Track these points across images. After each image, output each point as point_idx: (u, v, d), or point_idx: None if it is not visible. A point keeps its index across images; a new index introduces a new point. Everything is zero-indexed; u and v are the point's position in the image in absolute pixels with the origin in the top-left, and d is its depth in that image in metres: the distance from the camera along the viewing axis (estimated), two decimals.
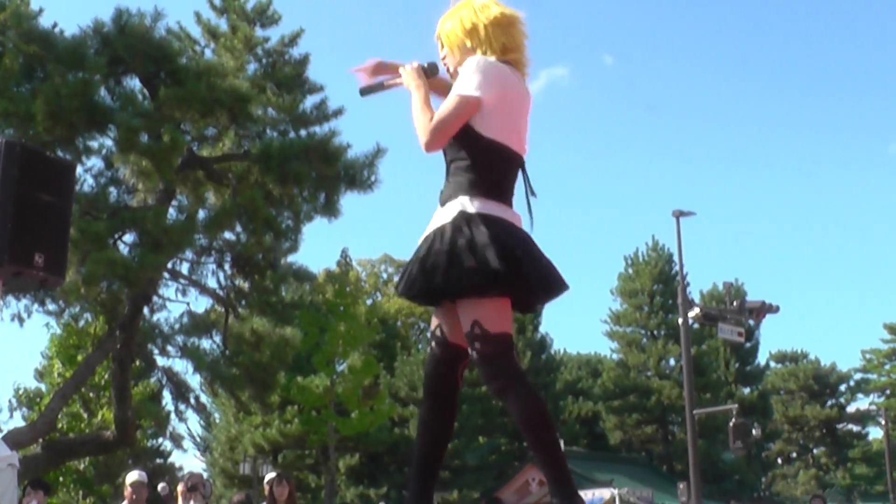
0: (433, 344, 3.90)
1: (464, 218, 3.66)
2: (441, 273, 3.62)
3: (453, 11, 3.99)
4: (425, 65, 3.99)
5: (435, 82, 4.03)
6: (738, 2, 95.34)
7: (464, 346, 3.75)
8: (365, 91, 4.06)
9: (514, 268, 3.57)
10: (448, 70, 4.05)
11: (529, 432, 3.60)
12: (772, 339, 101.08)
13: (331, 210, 22.60)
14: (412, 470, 3.95)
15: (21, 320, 23.11)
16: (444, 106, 3.74)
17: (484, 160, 3.77)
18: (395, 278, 71.82)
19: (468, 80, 3.73)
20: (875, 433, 61.87)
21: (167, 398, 31.80)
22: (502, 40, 3.91)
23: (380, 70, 4.14)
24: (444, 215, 3.72)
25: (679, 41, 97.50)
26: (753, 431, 25.66)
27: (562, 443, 39.01)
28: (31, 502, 11.59)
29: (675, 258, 40.02)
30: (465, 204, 3.69)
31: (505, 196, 3.81)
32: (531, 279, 3.66)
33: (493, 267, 3.53)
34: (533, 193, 3.92)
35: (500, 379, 3.63)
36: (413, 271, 3.74)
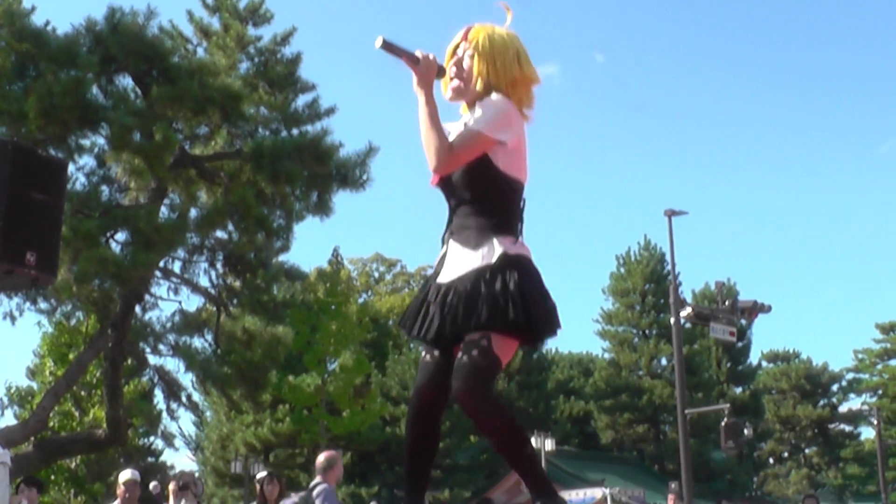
0: (435, 352, 3.84)
1: (507, 261, 3.69)
2: (484, 316, 3.61)
3: (504, 45, 3.93)
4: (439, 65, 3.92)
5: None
6: (730, 1, 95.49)
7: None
8: (387, 45, 3.82)
9: (551, 318, 3.73)
10: (448, 76, 3.98)
11: (500, 445, 3.66)
12: (764, 339, 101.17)
13: (323, 209, 22.60)
14: (408, 469, 3.94)
15: (13, 319, 23.09)
16: (463, 138, 3.76)
17: (508, 200, 3.84)
18: (388, 277, 72.05)
19: (492, 122, 3.76)
20: (867, 433, 62.18)
21: (159, 397, 31.69)
22: (521, 96, 3.93)
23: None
24: (479, 258, 3.72)
25: (671, 39, 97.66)
26: (745, 431, 25.61)
27: (552, 443, 39.06)
28: (24, 500, 11.59)
29: (667, 257, 40.02)
30: (505, 247, 3.72)
31: (519, 233, 3.86)
32: (555, 326, 3.78)
33: (538, 320, 3.66)
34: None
35: (480, 394, 3.59)
36: (438, 318, 3.72)
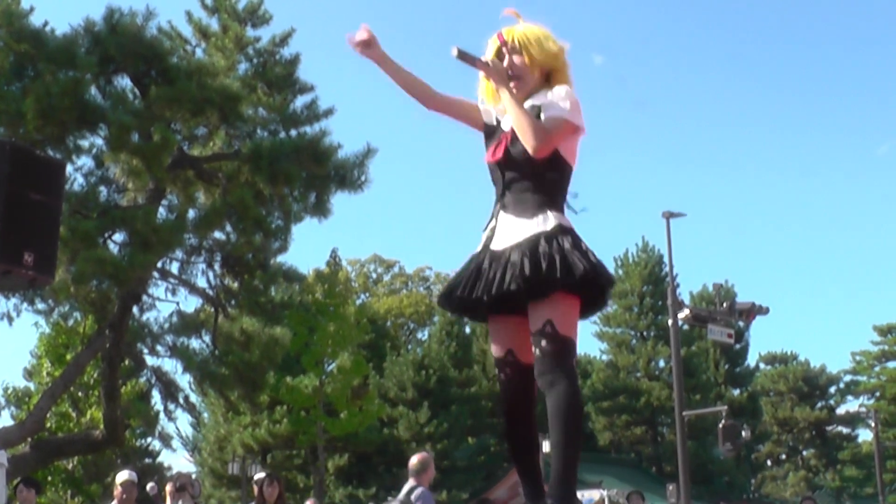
0: (508, 371, 4.13)
1: (562, 229, 3.99)
2: (542, 271, 3.86)
3: (536, 32, 4.28)
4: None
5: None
6: (728, 2, 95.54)
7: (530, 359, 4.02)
8: (462, 55, 4.16)
9: (601, 273, 3.98)
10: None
11: (558, 422, 3.87)
12: (761, 341, 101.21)
13: (321, 210, 22.58)
14: (522, 482, 4.19)
15: (10, 319, 23.03)
16: (555, 122, 4.05)
17: (562, 182, 4.18)
18: (386, 278, 71.98)
19: (576, 111, 4.09)
20: (865, 435, 62.10)
21: (156, 398, 31.65)
22: (565, 72, 4.32)
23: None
24: (535, 225, 4.01)
25: (670, 41, 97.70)
26: (743, 433, 25.59)
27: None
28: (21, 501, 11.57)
29: (665, 259, 40.09)
30: (559, 218, 4.04)
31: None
32: (608, 286, 4.09)
33: (588, 267, 3.90)
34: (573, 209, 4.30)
35: (554, 373, 3.88)
36: (499, 275, 3.97)
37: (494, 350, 4.18)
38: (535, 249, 3.90)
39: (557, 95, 4.12)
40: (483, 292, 3.98)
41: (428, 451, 10.38)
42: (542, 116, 4.09)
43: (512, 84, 4.19)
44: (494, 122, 4.32)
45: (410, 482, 9.69)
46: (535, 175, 4.07)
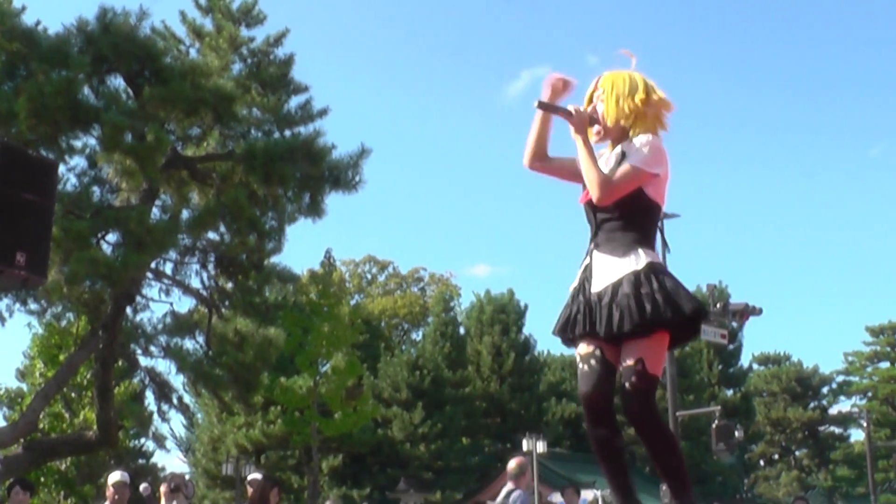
0: (592, 362, 4.35)
1: (653, 267, 4.26)
2: (647, 313, 4.15)
3: (620, 87, 4.51)
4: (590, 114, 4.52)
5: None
6: (722, 3, 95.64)
7: (617, 362, 4.31)
8: (544, 106, 4.46)
9: (698, 308, 4.26)
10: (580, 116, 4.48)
11: (666, 457, 4.43)
12: (755, 341, 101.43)
13: (315, 210, 22.54)
14: (611, 485, 4.54)
15: (2, 320, 22.96)
16: (624, 173, 4.31)
17: (651, 220, 4.48)
18: (380, 278, 71.94)
19: (649, 158, 4.35)
20: (857, 435, 62.31)
21: (150, 398, 31.54)
22: (659, 125, 4.55)
23: (558, 93, 4.51)
24: (628, 264, 4.28)
25: (663, 41, 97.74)
26: (736, 433, 25.61)
27: (544, 445, 39.01)
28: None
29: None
30: (651, 255, 4.32)
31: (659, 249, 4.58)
32: (699, 318, 4.34)
33: (686, 309, 4.19)
34: (667, 246, 4.60)
35: (646, 412, 4.30)
36: (605, 315, 4.23)
37: (582, 347, 4.37)
38: (637, 290, 4.18)
39: (638, 142, 4.36)
40: (600, 331, 4.23)
41: (524, 457, 10.50)
42: (624, 163, 4.32)
43: (595, 129, 4.49)
44: None
45: (509, 485, 9.81)
46: (625, 215, 4.35)
